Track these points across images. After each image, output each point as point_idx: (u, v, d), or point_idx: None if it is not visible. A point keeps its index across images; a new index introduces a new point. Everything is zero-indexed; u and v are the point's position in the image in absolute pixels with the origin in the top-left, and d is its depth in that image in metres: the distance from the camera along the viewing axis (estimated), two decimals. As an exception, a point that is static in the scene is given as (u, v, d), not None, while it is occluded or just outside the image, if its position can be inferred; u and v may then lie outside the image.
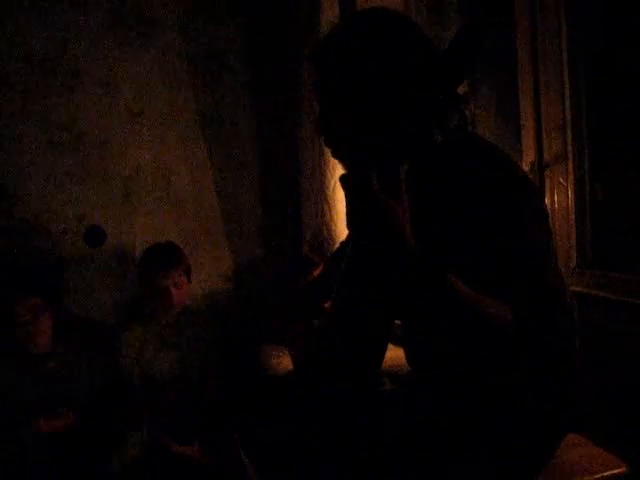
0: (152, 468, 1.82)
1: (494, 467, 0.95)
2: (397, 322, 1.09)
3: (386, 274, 0.83)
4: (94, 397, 1.94)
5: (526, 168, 1.78)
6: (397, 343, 1.30)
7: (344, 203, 0.82)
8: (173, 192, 2.44)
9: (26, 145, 2.24)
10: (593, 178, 1.71)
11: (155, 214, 2.42)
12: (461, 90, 1.00)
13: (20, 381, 1.86)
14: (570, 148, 1.71)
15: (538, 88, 1.76)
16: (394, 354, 1.23)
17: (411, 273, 0.79)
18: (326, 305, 1.32)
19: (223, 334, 2.24)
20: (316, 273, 1.44)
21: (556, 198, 1.75)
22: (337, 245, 1.55)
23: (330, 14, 2.09)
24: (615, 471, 1.07)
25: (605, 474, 1.06)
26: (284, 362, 1.97)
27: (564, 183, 1.73)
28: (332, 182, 2.16)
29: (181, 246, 2.18)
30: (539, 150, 1.78)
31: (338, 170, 2.00)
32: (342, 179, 0.82)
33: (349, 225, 0.84)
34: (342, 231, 2.12)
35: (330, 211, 2.19)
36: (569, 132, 1.71)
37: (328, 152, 1.09)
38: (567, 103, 1.71)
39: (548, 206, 1.70)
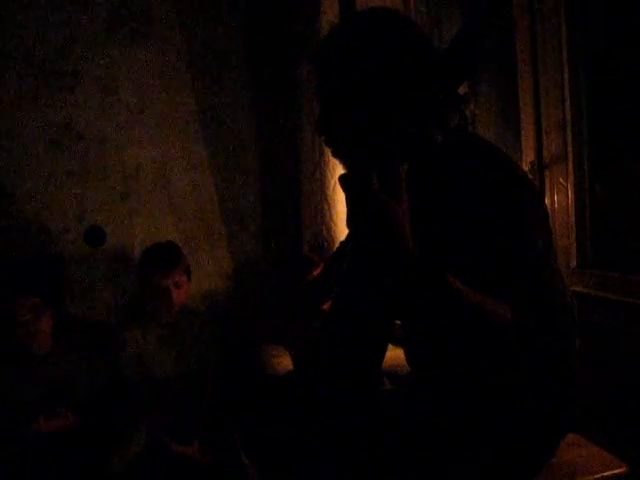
0: (152, 468, 1.82)
1: (494, 467, 0.95)
2: (397, 322, 1.09)
3: (386, 274, 0.83)
4: (94, 397, 1.94)
5: (526, 168, 1.78)
6: (397, 343, 1.30)
7: (344, 203, 0.82)
8: (173, 192, 2.44)
9: (26, 145, 2.25)
10: (593, 178, 1.71)
11: (155, 214, 2.42)
12: (461, 90, 1.00)
13: (20, 381, 1.86)
14: (570, 148, 1.71)
15: (538, 88, 1.76)
16: (394, 354, 1.23)
17: (411, 273, 0.79)
18: (326, 305, 1.32)
19: (223, 334, 2.25)
20: (316, 273, 1.43)
21: (556, 198, 1.75)
22: (337, 245, 1.55)
23: (330, 14, 2.09)
24: (615, 471, 1.07)
25: (605, 474, 1.06)
26: (284, 362, 1.97)
27: (564, 183, 1.72)
28: (332, 182, 2.16)
29: (181, 246, 2.18)
30: (539, 150, 1.78)
31: (338, 170, 2.00)
32: (342, 179, 0.82)
33: (349, 225, 0.84)
34: (342, 231, 2.12)
35: (330, 211, 2.19)
36: (569, 132, 1.71)
37: (328, 152, 1.09)
38: (567, 103, 1.70)
39: (548, 206, 1.69)
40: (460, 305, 0.80)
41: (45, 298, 1.93)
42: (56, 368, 1.92)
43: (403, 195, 0.79)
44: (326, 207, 2.20)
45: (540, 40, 1.74)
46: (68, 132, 2.29)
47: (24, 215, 2.25)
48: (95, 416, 1.88)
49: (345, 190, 0.81)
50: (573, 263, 1.72)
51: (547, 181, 1.77)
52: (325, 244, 2.22)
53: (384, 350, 0.97)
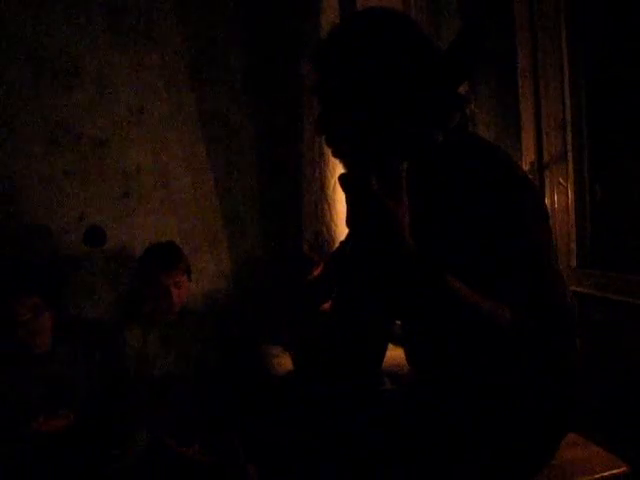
0: (153, 468, 1.82)
1: (494, 467, 0.95)
2: (397, 322, 1.09)
3: (386, 274, 0.83)
4: (94, 397, 1.94)
5: (526, 168, 1.78)
6: (397, 343, 1.30)
7: (344, 203, 0.82)
8: (173, 192, 2.44)
9: (26, 145, 2.25)
10: (593, 178, 1.71)
11: (155, 214, 2.42)
12: (461, 90, 1.00)
13: (20, 381, 1.86)
14: (570, 148, 1.71)
15: (538, 88, 1.76)
16: (394, 354, 1.23)
17: (410, 273, 0.79)
18: (326, 305, 1.32)
19: (223, 334, 2.25)
20: (316, 273, 1.43)
21: (556, 198, 1.75)
22: (337, 245, 1.55)
23: (330, 14, 2.09)
24: (615, 471, 1.07)
25: (605, 474, 1.06)
26: (284, 362, 1.97)
27: (564, 183, 1.72)
28: (332, 182, 2.16)
29: (181, 246, 2.18)
30: (539, 150, 1.78)
31: (338, 170, 2.00)
32: (342, 179, 0.82)
33: (349, 225, 0.84)
34: (342, 231, 2.12)
35: (330, 211, 2.19)
36: (569, 132, 1.71)
37: (328, 152, 1.09)
38: (567, 103, 1.71)
39: (548, 206, 1.69)
40: (460, 305, 0.80)
41: (45, 298, 1.93)
42: (56, 368, 1.92)
43: (403, 195, 0.79)
44: (326, 207, 2.20)
45: (540, 40, 1.74)
46: (68, 132, 2.29)
47: (24, 215, 2.25)
48: (95, 416, 1.88)
49: (345, 190, 0.81)
50: (573, 263, 1.72)
51: (547, 181, 1.77)
52: (325, 244, 2.22)
53: (384, 350, 0.97)
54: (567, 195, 1.72)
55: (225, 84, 2.48)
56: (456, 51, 0.91)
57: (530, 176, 1.68)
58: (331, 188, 2.17)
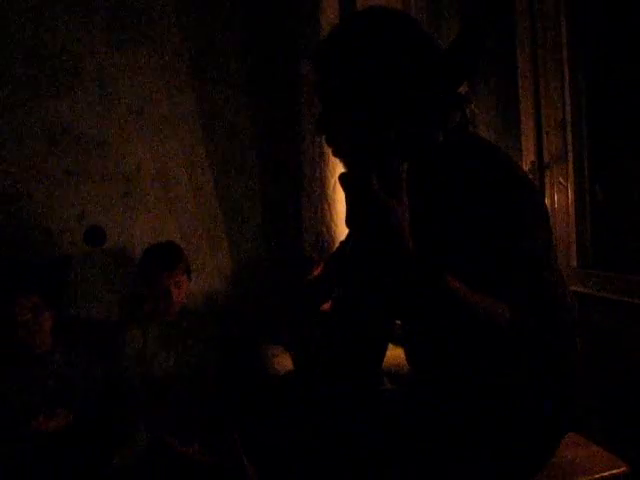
0: (153, 468, 1.82)
1: (494, 467, 0.95)
2: (397, 322, 1.09)
3: (385, 274, 0.83)
4: (94, 397, 1.94)
5: (526, 168, 1.78)
6: (397, 343, 1.30)
7: (344, 203, 0.82)
8: (173, 192, 2.44)
9: (26, 145, 2.25)
10: (593, 178, 1.71)
11: (155, 214, 2.42)
12: (461, 90, 1.00)
13: (20, 381, 1.86)
14: (570, 148, 1.71)
15: (538, 88, 1.76)
16: (394, 354, 1.23)
17: (410, 273, 0.79)
18: (326, 305, 1.32)
19: (223, 334, 2.25)
20: (316, 273, 1.43)
21: (556, 198, 1.75)
22: (337, 245, 1.55)
23: (330, 14, 2.09)
24: (615, 471, 1.07)
25: (605, 474, 1.06)
26: (284, 362, 1.97)
27: (564, 183, 1.73)
28: (332, 182, 2.16)
29: (181, 246, 2.18)
30: (539, 150, 1.78)
31: (338, 170, 2.00)
32: (342, 178, 0.82)
33: (348, 225, 0.84)
34: (342, 231, 2.12)
35: (330, 211, 2.19)
36: (569, 132, 1.71)
37: (328, 152, 1.10)
38: (567, 103, 1.71)
39: (548, 206, 1.70)
40: (459, 305, 0.80)
41: (45, 298, 1.93)
42: (56, 368, 1.92)
43: (403, 195, 0.79)
44: (326, 207, 2.20)
45: (540, 40, 1.74)
46: (68, 132, 2.29)
47: (24, 215, 2.25)
48: (95, 416, 1.88)
49: (345, 190, 0.81)
50: (573, 263, 1.72)
51: (547, 181, 1.78)
52: (325, 244, 2.22)
53: (384, 350, 0.97)
54: (567, 195, 1.73)
55: (225, 84, 2.48)
56: (456, 51, 0.91)
57: (530, 176, 1.68)
58: (331, 188, 2.17)
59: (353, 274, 0.93)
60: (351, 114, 0.99)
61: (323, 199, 2.21)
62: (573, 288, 1.64)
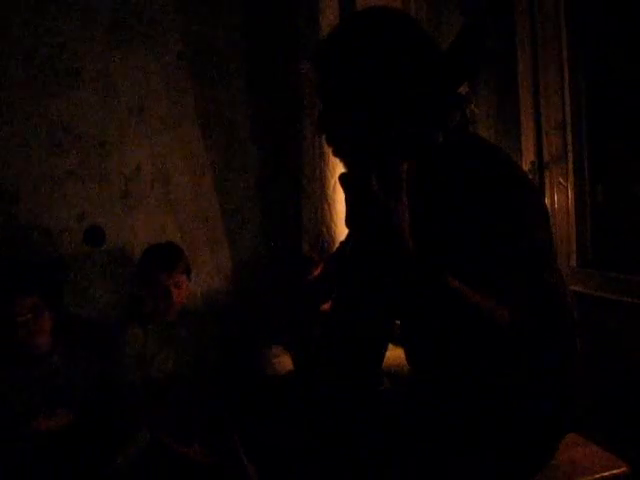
0: (153, 468, 1.82)
1: (494, 467, 0.95)
2: (397, 322, 1.09)
3: (385, 274, 0.83)
4: (94, 397, 1.94)
5: (526, 168, 1.78)
6: (397, 343, 1.30)
7: (344, 203, 0.82)
8: (173, 192, 2.44)
9: (26, 145, 2.24)
10: (593, 178, 1.71)
11: (155, 214, 2.41)
12: (461, 90, 1.00)
13: (20, 381, 1.86)
14: (570, 148, 1.71)
15: (538, 88, 1.76)
16: (394, 354, 1.23)
17: (410, 273, 0.79)
18: (326, 305, 1.32)
19: (223, 334, 2.24)
20: (316, 273, 1.43)
21: (556, 198, 1.75)
22: (337, 245, 1.55)
23: (330, 14, 2.09)
24: (615, 471, 1.07)
25: (605, 474, 1.06)
26: (284, 362, 1.97)
27: (564, 183, 1.73)
28: (332, 182, 2.16)
29: (181, 246, 2.18)
30: (539, 150, 1.78)
31: (338, 170, 2.00)
32: (342, 178, 0.82)
33: (348, 225, 0.84)
34: (342, 231, 2.12)
35: (330, 211, 2.19)
36: (569, 132, 1.71)
37: (328, 152, 1.10)
38: (567, 103, 1.71)
39: (548, 206, 1.70)
40: (459, 305, 0.80)
41: (45, 298, 1.93)
42: (56, 368, 1.92)
43: (403, 195, 0.80)
44: (326, 207, 2.20)
45: (540, 40, 1.74)
46: (68, 132, 2.29)
47: (24, 215, 2.25)
48: (95, 416, 1.87)
49: (345, 190, 0.82)
50: (573, 263, 1.72)
51: (547, 181, 1.78)
52: (325, 244, 2.22)
53: (384, 350, 0.97)
54: (567, 195, 1.73)
55: (225, 84, 2.48)
56: (457, 51, 0.91)
57: (530, 176, 1.69)
58: (331, 188, 2.17)
59: (353, 274, 0.93)
60: (351, 114, 0.99)
61: (323, 199, 2.21)
62: (573, 288, 1.64)
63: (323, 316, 1.29)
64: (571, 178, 1.71)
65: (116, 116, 2.35)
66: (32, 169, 2.25)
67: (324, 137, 1.06)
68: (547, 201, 1.75)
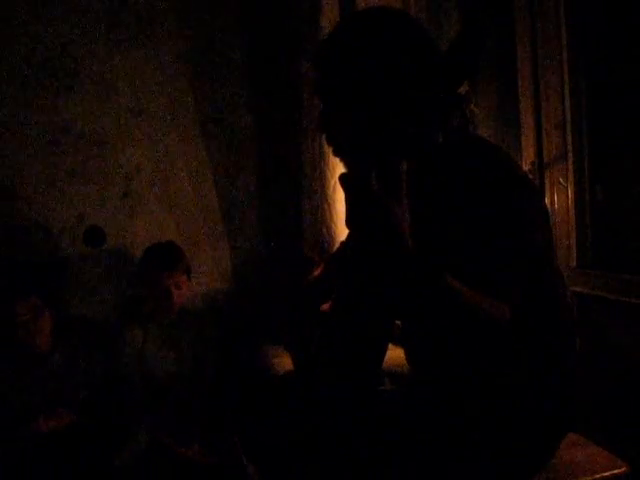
0: (153, 468, 1.82)
1: (494, 467, 0.95)
2: (397, 322, 1.09)
3: (385, 274, 0.83)
4: (94, 397, 1.94)
5: (526, 168, 1.78)
6: (397, 343, 1.30)
7: (344, 203, 0.82)
8: (173, 192, 2.44)
9: (26, 145, 2.24)
10: (593, 178, 1.71)
11: (155, 214, 2.41)
12: (461, 90, 1.00)
13: (20, 381, 1.86)
14: (570, 148, 1.71)
15: (538, 88, 1.76)
16: (394, 354, 1.23)
17: (410, 273, 0.79)
18: (326, 305, 1.32)
19: (223, 334, 2.24)
20: (316, 273, 1.43)
21: (556, 198, 1.75)
22: (337, 245, 1.55)
23: (330, 14, 2.09)
24: (615, 471, 1.07)
25: (605, 474, 1.06)
26: (284, 362, 1.97)
27: (564, 183, 1.73)
28: (332, 182, 2.16)
29: (181, 246, 2.18)
30: (539, 150, 1.78)
31: (338, 170, 2.00)
32: (342, 178, 0.82)
33: (348, 225, 0.84)
34: (342, 231, 2.11)
35: (330, 211, 2.19)
36: (569, 132, 1.71)
37: (328, 152, 1.10)
38: (567, 103, 1.71)
39: (548, 206, 1.70)
40: (459, 305, 0.80)
41: (45, 298, 1.93)
42: (56, 368, 1.92)
43: (403, 195, 0.80)
44: (326, 207, 2.20)
45: (540, 40, 1.74)
46: (68, 132, 2.29)
47: (24, 215, 2.25)
48: (95, 416, 1.87)
49: (345, 190, 0.82)
50: (573, 263, 1.72)
51: (547, 181, 1.78)
52: (325, 244, 2.22)
53: (384, 350, 0.97)
54: (567, 195, 1.73)
55: (225, 84, 2.48)
56: (457, 51, 0.91)
57: (530, 176, 1.69)
58: (331, 188, 2.17)
59: (353, 274, 0.93)
60: (351, 114, 0.99)
61: (323, 199, 2.21)
62: (573, 288, 1.64)
63: (323, 316, 1.29)
64: (571, 178, 1.71)
65: (116, 116, 2.35)
66: (32, 169, 2.25)
67: (324, 137, 1.06)
68: (547, 201, 1.75)
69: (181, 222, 2.45)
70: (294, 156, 2.39)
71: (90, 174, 2.33)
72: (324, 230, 2.22)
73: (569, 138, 1.71)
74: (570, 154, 1.71)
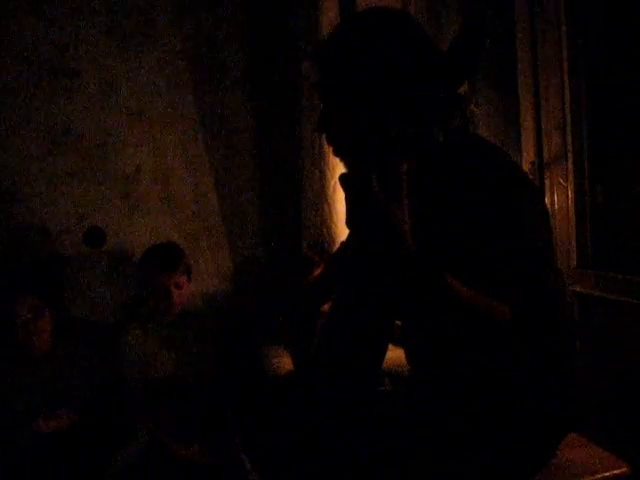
0: (152, 469, 1.82)
1: (494, 467, 0.95)
2: (397, 322, 1.09)
3: (385, 274, 0.83)
4: (94, 397, 1.94)
5: (526, 168, 1.78)
6: (397, 343, 1.30)
7: (344, 203, 0.82)
8: (173, 192, 2.44)
9: (27, 146, 2.24)
10: (593, 178, 1.71)
11: (155, 214, 2.41)
12: (461, 90, 1.00)
13: (20, 381, 1.86)
14: (570, 148, 1.71)
15: (538, 88, 1.76)
16: (394, 354, 1.23)
17: (410, 273, 0.79)
18: (326, 305, 1.32)
19: (223, 334, 2.24)
20: (316, 273, 1.44)
21: (556, 198, 1.75)
22: (337, 245, 1.55)
23: (330, 14, 2.09)
24: (615, 471, 1.07)
25: (605, 474, 1.06)
26: (284, 362, 1.96)
27: (564, 183, 1.73)
28: (332, 182, 2.16)
29: (181, 246, 2.18)
30: (539, 150, 1.78)
31: (338, 170, 2.00)
32: (342, 178, 0.82)
33: (348, 225, 0.84)
34: (342, 231, 2.11)
35: (330, 211, 2.19)
36: (569, 132, 1.71)
37: (328, 152, 1.10)
38: (567, 103, 1.71)
39: (548, 206, 1.70)
40: (459, 305, 0.80)
41: (45, 298, 1.93)
42: (56, 368, 1.92)
43: (403, 195, 0.80)
44: (326, 207, 2.19)
45: (540, 40, 1.74)
46: (68, 133, 2.29)
47: (24, 215, 2.25)
48: (95, 416, 1.87)
49: (345, 190, 0.82)
50: (573, 263, 1.72)
51: (547, 181, 1.78)
52: (325, 244, 2.22)
53: (384, 350, 0.97)
54: (567, 195, 1.73)
55: (225, 84, 2.48)
56: (457, 51, 0.91)
57: (530, 176, 1.68)
58: (331, 188, 2.17)
59: (353, 274, 0.93)
60: (351, 114, 0.99)
61: (323, 199, 2.21)
62: (573, 288, 1.64)
63: (323, 316, 1.29)
64: (571, 178, 1.71)
65: (116, 116, 2.35)
66: (32, 169, 2.25)
67: (324, 137, 1.06)
68: (547, 201, 1.75)
69: (181, 222, 2.45)
70: (294, 156, 2.39)
71: (90, 174, 2.33)
72: (324, 230, 2.22)
73: (569, 138, 1.71)
74: (570, 154, 1.71)
